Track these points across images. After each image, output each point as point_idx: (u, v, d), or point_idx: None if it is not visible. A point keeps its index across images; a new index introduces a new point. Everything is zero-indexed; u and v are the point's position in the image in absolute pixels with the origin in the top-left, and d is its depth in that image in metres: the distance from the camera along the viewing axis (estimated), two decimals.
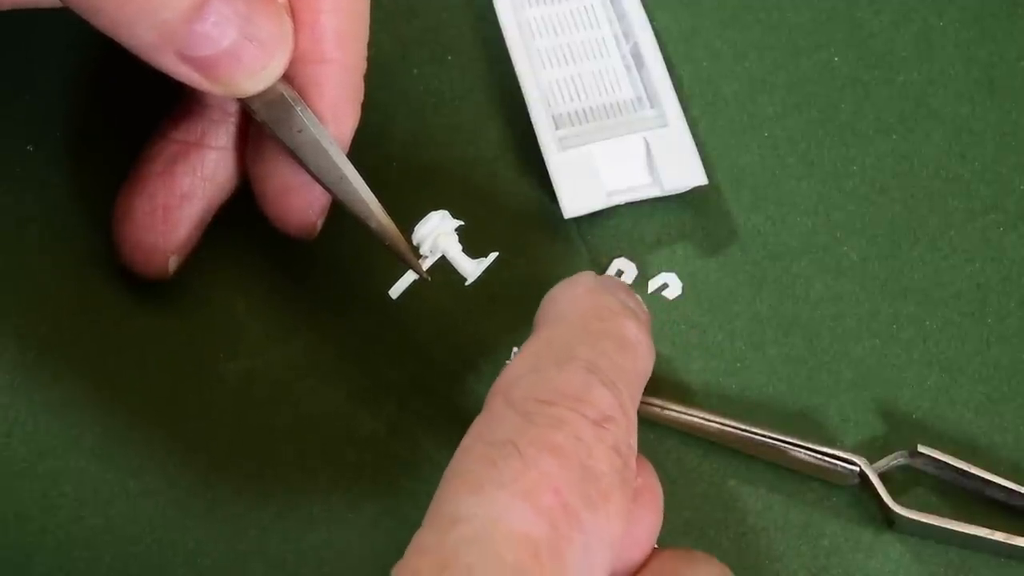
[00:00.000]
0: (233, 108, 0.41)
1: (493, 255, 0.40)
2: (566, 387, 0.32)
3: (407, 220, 0.39)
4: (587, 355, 0.33)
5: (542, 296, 0.37)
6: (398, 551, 0.41)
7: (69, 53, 0.47)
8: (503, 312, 0.44)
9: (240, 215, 0.42)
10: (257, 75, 0.37)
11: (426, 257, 0.40)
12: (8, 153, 0.45)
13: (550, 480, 0.30)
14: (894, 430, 0.43)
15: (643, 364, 0.35)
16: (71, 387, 0.43)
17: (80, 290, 0.44)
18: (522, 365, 0.33)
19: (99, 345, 0.43)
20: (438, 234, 0.39)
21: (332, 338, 0.44)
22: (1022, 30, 0.49)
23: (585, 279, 0.37)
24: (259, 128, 0.40)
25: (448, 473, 0.31)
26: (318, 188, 0.39)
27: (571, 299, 0.36)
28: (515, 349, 0.42)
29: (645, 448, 0.43)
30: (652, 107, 0.47)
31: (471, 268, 0.40)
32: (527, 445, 0.30)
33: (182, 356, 0.43)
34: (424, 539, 0.30)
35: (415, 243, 0.39)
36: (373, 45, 0.41)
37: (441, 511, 0.30)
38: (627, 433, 0.32)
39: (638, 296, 0.37)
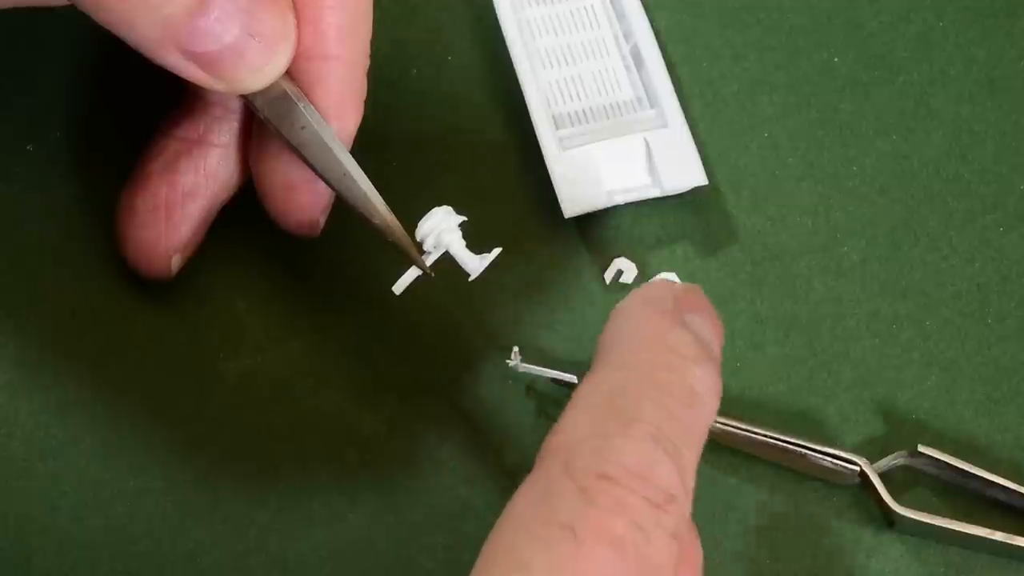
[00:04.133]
0: (236, 105, 0.41)
1: (496, 250, 0.40)
2: (630, 461, 0.30)
3: (407, 220, 0.39)
4: (652, 418, 0.31)
5: (542, 296, 0.36)
6: (398, 550, 0.41)
7: (69, 53, 0.46)
8: (503, 312, 0.44)
9: (241, 214, 0.42)
10: (260, 71, 0.36)
11: (429, 253, 0.40)
12: (8, 153, 0.45)
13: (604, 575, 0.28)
14: (894, 430, 0.43)
15: (709, 416, 0.33)
16: (71, 387, 0.42)
17: (80, 290, 0.44)
18: (584, 423, 0.31)
19: (99, 345, 0.43)
20: (442, 229, 0.39)
21: (333, 337, 0.44)
22: (1022, 30, 0.49)
23: (656, 301, 0.34)
24: (262, 125, 0.39)
25: (496, 539, 0.29)
26: (321, 185, 0.39)
27: (639, 336, 0.33)
28: (515, 349, 0.42)
29: None
30: (652, 107, 0.47)
31: (474, 264, 0.40)
32: (586, 532, 0.29)
33: (182, 356, 0.43)
34: None
35: (418, 239, 0.39)
36: (373, 45, 0.41)
37: None
38: (686, 508, 0.30)
39: (715, 313, 0.34)
